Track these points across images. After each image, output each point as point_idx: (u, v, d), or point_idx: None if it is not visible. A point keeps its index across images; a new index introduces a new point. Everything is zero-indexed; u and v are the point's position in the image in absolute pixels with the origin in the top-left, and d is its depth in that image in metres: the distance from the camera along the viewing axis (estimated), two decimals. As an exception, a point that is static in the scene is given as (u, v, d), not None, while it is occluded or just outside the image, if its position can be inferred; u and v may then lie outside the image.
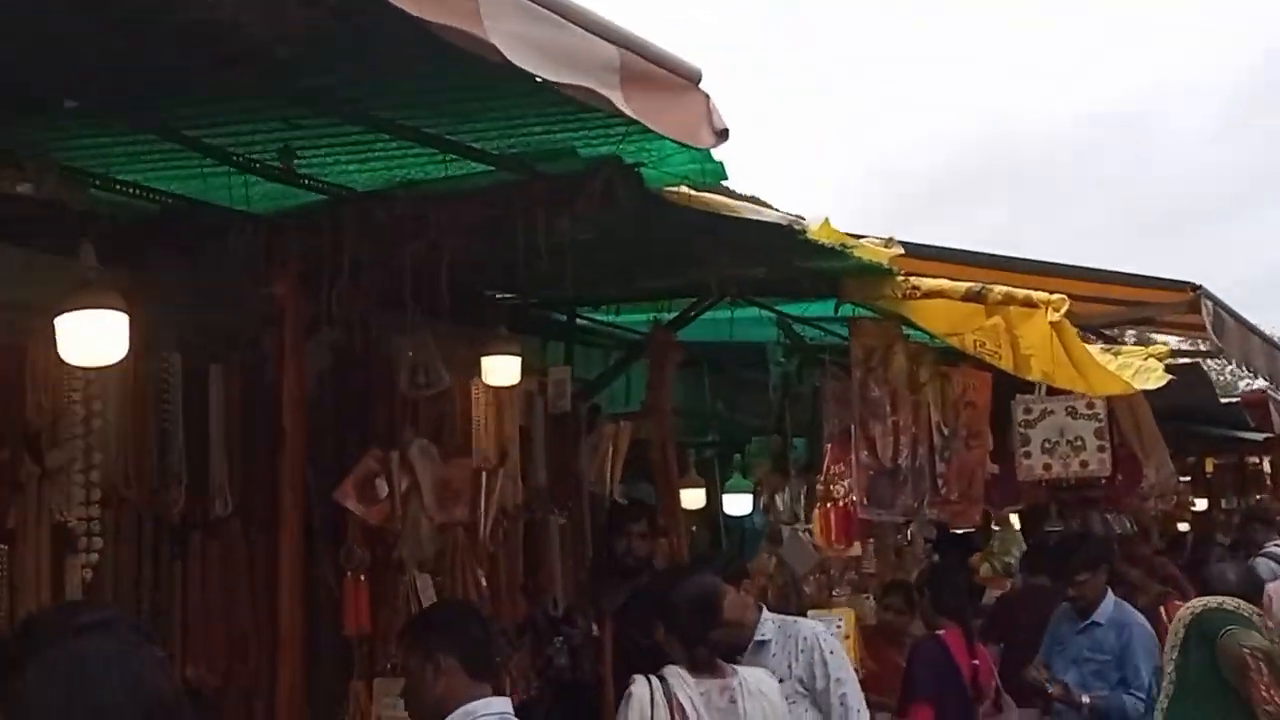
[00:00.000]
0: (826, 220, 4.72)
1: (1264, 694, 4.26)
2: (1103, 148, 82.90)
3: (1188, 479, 14.67)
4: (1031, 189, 70.04)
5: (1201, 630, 4.59)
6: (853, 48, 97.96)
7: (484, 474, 4.59)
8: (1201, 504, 13.67)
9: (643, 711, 3.61)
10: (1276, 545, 9.73)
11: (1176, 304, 6.31)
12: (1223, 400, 10.59)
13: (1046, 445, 6.53)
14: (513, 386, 4.72)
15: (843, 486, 5.10)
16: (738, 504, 6.45)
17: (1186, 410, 10.43)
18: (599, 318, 6.33)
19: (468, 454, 4.57)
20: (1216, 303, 6.18)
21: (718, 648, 3.86)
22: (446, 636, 3.00)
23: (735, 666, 3.94)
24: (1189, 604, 5.01)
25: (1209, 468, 14.95)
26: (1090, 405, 6.53)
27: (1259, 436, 10.70)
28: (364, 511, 4.20)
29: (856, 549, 5.23)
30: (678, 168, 3.78)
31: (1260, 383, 10.57)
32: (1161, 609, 7.23)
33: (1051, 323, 4.84)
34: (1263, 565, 9.28)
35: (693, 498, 6.36)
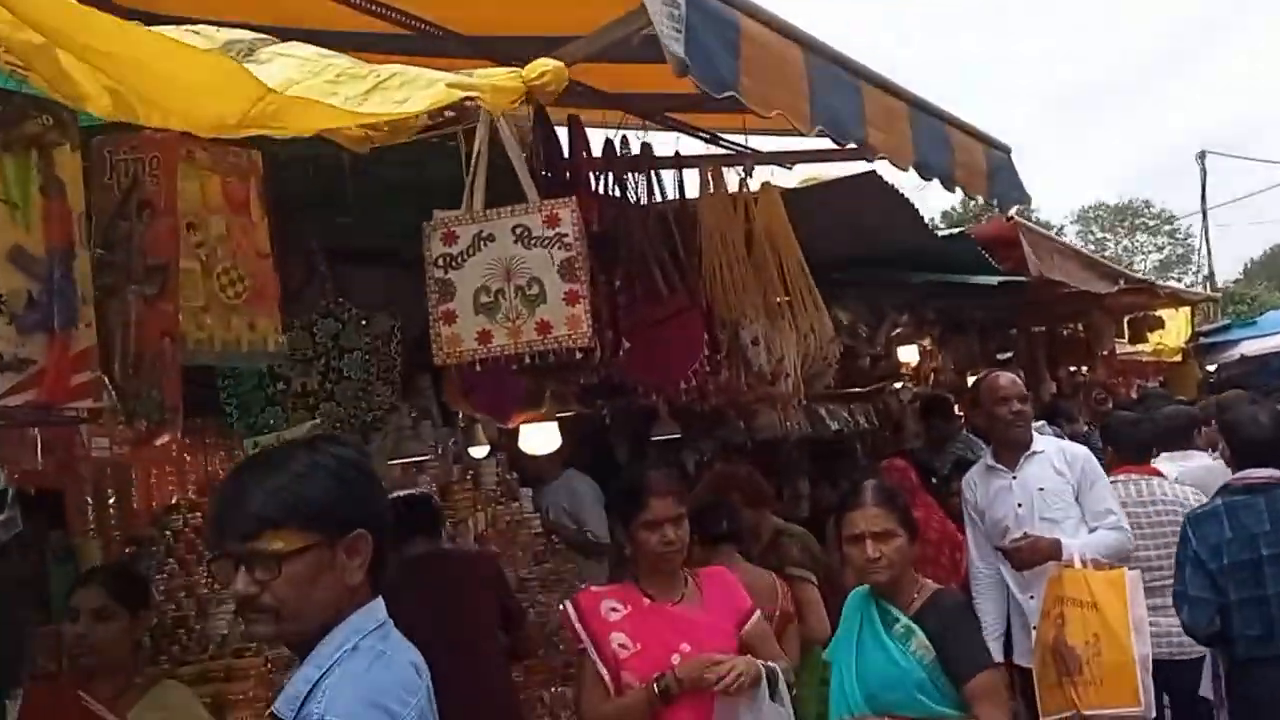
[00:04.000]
0: None
1: None
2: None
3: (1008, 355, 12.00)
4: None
5: None
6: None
7: None
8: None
9: None
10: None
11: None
12: (941, 233, 7.79)
13: (483, 299, 3.62)
14: None
15: None
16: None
17: (897, 250, 7.69)
18: None
19: None
20: None
21: None
22: None
23: None
24: None
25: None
26: (552, 220, 3.58)
27: (994, 280, 7.93)
28: None
29: None
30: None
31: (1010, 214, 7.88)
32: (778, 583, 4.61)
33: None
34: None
35: None
